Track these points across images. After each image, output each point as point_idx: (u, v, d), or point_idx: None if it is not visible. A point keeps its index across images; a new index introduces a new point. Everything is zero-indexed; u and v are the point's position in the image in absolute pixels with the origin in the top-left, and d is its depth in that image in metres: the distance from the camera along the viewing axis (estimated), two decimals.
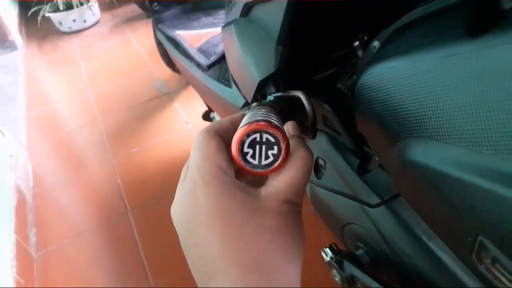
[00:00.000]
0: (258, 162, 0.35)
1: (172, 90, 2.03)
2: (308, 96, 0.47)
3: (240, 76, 0.67)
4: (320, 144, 0.65)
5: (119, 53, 2.53)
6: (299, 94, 0.48)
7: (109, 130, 1.86)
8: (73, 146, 1.85)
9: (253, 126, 0.34)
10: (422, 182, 0.37)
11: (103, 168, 1.65)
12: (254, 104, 0.61)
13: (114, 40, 2.70)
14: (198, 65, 0.95)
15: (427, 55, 0.38)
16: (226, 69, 0.85)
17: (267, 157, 0.35)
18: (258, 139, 0.35)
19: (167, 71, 2.07)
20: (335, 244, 0.61)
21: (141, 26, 2.79)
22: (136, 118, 1.89)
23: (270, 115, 0.38)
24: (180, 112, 1.87)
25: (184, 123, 1.79)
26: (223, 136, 0.35)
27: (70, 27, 2.88)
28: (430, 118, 0.36)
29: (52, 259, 1.34)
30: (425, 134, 0.37)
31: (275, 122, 0.35)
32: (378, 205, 0.54)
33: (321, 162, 0.66)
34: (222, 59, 0.91)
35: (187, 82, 1.61)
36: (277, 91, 0.62)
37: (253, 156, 0.35)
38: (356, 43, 0.63)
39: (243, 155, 0.34)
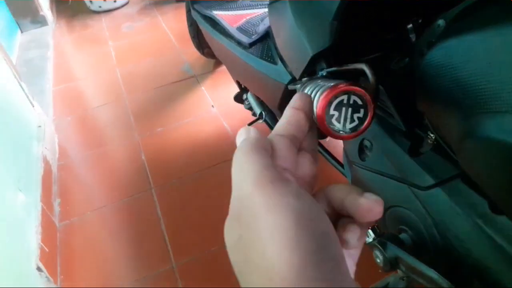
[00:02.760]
0: (343, 126, 0.34)
1: (198, 73, 2.03)
2: (372, 69, 0.46)
3: (290, 51, 0.66)
4: None
5: (148, 34, 2.54)
6: (363, 66, 0.46)
7: (135, 109, 1.87)
8: (99, 122, 1.87)
9: (342, 87, 0.33)
10: (499, 158, 0.36)
11: (128, 144, 1.66)
12: (304, 79, 0.60)
13: (143, 22, 2.70)
14: (239, 43, 0.95)
15: (510, 28, 0.36)
16: (270, 47, 0.84)
17: (352, 120, 0.34)
18: (345, 101, 0.34)
19: (195, 54, 2.07)
20: (377, 226, 0.60)
21: (170, 9, 2.80)
22: (162, 99, 1.90)
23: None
24: (206, 95, 1.87)
25: (210, 106, 1.79)
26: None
27: (100, 7, 2.89)
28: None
29: (75, 230, 1.35)
30: (503, 109, 0.36)
31: (363, 85, 0.34)
32: (430, 187, 0.52)
33: (366, 143, 0.65)
34: (264, 38, 0.90)
35: (220, 62, 1.60)
36: (327, 68, 0.61)
37: (337, 120, 0.34)
38: (410, 26, 0.62)
39: (328, 117, 0.33)
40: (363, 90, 0.35)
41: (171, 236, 1.26)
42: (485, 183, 0.41)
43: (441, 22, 0.50)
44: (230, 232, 0.26)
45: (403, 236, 0.58)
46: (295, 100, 0.34)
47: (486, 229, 0.46)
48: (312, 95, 0.40)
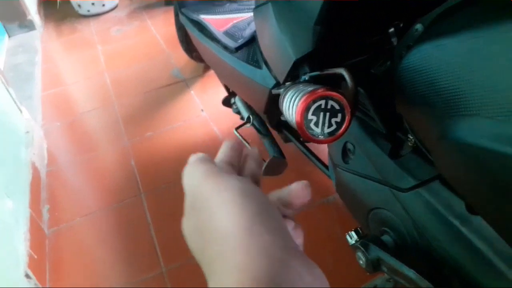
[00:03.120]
0: (321, 130, 0.35)
1: (188, 77, 2.03)
2: (351, 73, 0.46)
3: (274, 55, 0.67)
4: (350, 129, 0.65)
5: (137, 38, 2.53)
6: (342, 71, 0.47)
7: (124, 114, 1.86)
8: (88, 127, 1.86)
9: (320, 92, 0.35)
10: (471, 160, 0.36)
11: (118, 150, 1.65)
12: (287, 83, 0.61)
13: (132, 26, 2.70)
14: (225, 47, 0.95)
15: (484, 31, 0.37)
16: (255, 51, 0.85)
17: (330, 124, 0.35)
18: (323, 106, 0.35)
19: (184, 58, 2.07)
20: (360, 228, 0.60)
21: (159, 13, 2.79)
22: (152, 103, 1.90)
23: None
24: (196, 99, 1.87)
25: (200, 111, 1.79)
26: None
27: (88, 10, 2.88)
28: (485, 95, 0.36)
29: (64, 237, 1.34)
30: (476, 112, 0.36)
31: (341, 91, 0.35)
32: (410, 189, 0.53)
33: (349, 146, 0.66)
34: (250, 42, 0.90)
35: (209, 66, 1.60)
36: (311, 72, 0.61)
37: (316, 124, 0.35)
38: (391, 30, 0.63)
39: (307, 122, 0.35)
40: (340, 95, 0.36)
41: (160, 241, 1.25)
42: (459, 184, 0.41)
43: (419, 26, 0.51)
44: (187, 224, 0.31)
45: (385, 237, 0.59)
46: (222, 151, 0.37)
47: (463, 229, 0.47)
48: (292, 100, 0.40)
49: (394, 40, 0.63)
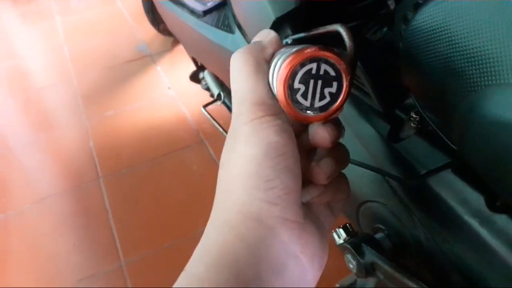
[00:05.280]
0: (311, 104, 0.27)
1: (155, 52, 1.92)
2: (349, 30, 0.36)
3: (250, 16, 0.57)
4: None
5: (100, 9, 2.40)
6: (338, 27, 0.37)
7: (84, 91, 1.75)
8: (43, 105, 1.74)
9: (311, 52, 0.25)
10: (506, 141, 0.27)
11: (75, 130, 1.54)
12: None
13: None
14: (192, 12, 0.84)
15: None
16: (226, 15, 0.74)
17: (322, 97, 0.26)
18: (314, 72, 0.26)
19: (151, 32, 1.97)
20: (349, 225, 0.51)
21: None
22: (114, 80, 1.79)
23: None
24: (162, 76, 1.77)
25: (166, 88, 1.69)
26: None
27: None
28: None
29: (11, 226, 1.23)
30: None
31: (337, 51, 0.26)
32: (414, 180, 0.44)
33: None
34: (221, 5, 0.79)
35: (178, 41, 1.49)
36: (294, 34, 0.52)
37: (304, 96, 0.26)
38: None
39: (292, 93, 0.25)
40: (336, 57, 0.26)
41: (120, 230, 1.16)
42: (488, 172, 0.32)
43: None
44: (224, 149, 0.29)
45: (379, 236, 0.50)
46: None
47: (482, 230, 0.39)
48: (272, 67, 0.30)
49: (391, 3, 0.54)
